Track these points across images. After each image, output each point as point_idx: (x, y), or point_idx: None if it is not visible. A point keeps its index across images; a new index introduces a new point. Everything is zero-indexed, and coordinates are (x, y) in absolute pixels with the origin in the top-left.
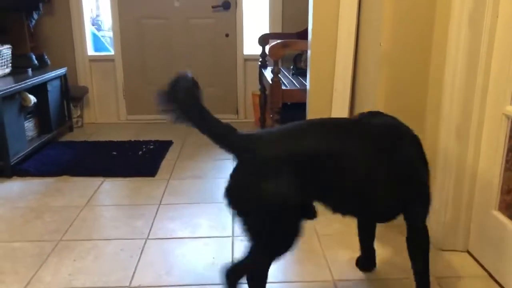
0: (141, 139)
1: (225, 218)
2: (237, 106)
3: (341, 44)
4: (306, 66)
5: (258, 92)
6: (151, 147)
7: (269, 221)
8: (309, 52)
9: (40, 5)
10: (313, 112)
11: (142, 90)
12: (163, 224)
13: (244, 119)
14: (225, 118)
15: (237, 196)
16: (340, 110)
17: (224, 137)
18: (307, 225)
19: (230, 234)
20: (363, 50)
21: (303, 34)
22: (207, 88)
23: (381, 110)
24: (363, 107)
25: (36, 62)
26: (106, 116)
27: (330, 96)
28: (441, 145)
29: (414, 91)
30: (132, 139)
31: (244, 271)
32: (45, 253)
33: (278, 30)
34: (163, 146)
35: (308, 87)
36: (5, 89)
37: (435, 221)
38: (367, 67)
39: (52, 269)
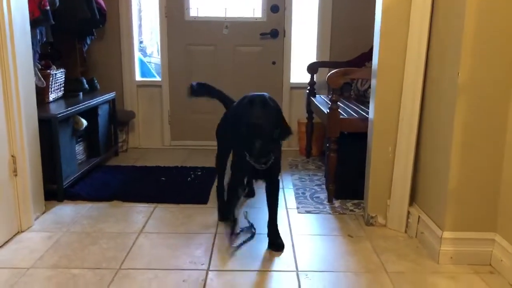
0: (188, 165)
1: (285, 251)
2: None
3: (409, 72)
4: (355, 94)
5: (304, 121)
6: (199, 173)
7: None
8: (373, 81)
9: (94, 30)
10: (376, 142)
11: (187, 116)
12: (222, 255)
13: (288, 147)
14: None
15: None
16: (406, 139)
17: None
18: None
19: (294, 268)
20: (434, 79)
21: (355, 63)
22: None
23: (459, 141)
24: (435, 137)
25: (86, 86)
26: (150, 141)
27: (395, 126)
28: None
29: (494, 123)
30: (179, 165)
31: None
32: (106, 281)
33: (326, 58)
34: (210, 173)
35: (371, 116)
36: (62, 112)
37: None
38: (439, 97)
39: None
